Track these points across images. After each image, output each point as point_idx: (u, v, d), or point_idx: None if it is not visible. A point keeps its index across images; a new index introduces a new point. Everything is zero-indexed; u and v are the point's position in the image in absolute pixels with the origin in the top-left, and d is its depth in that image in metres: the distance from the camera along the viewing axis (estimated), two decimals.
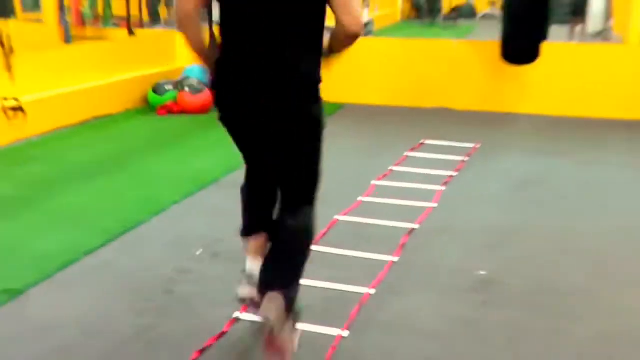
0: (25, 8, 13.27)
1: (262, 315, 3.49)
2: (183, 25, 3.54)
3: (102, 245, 5.23)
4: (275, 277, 3.65)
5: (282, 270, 3.69)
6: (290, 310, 3.62)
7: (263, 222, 3.97)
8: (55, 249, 5.13)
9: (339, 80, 10.73)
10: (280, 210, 3.82)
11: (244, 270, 3.94)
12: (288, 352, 3.59)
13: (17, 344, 3.91)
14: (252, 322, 4.02)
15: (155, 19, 15.89)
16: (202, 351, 3.82)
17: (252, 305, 3.88)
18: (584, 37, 17.19)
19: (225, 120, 3.66)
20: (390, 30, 20.31)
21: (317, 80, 3.53)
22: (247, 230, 4.02)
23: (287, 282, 3.64)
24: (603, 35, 18.51)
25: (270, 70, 3.42)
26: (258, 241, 3.95)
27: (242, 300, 3.97)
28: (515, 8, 9.32)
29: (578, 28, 17.21)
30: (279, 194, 3.81)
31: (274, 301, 3.49)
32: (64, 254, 5.03)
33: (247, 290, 3.88)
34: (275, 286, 3.57)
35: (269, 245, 3.89)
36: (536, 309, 4.39)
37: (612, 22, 19.37)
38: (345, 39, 3.44)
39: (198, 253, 5.12)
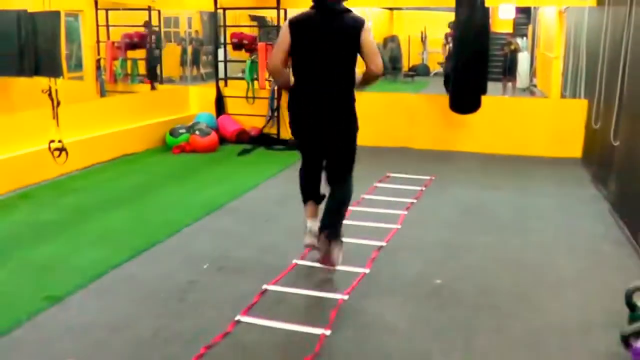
0: (70, 69, 13.29)
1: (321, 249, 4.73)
2: (272, 73, 4.85)
3: (128, 260, 5.14)
4: (330, 223, 4.75)
5: (334, 218, 4.79)
6: (339, 237, 4.80)
7: (314, 194, 5.03)
8: (90, 263, 5.04)
9: None
10: (331, 184, 4.86)
11: (306, 228, 4.96)
12: (337, 263, 4.78)
13: (58, 341, 3.85)
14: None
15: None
16: (208, 347, 3.75)
17: (313, 248, 4.98)
18: (514, 91, 17.35)
19: (294, 126, 4.82)
20: None
21: (351, 103, 4.68)
22: (305, 199, 5.05)
23: (338, 224, 4.83)
24: (529, 90, 18.70)
25: (322, 98, 4.59)
26: (311, 206, 5.02)
27: (307, 246, 5.03)
28: (461, 70, 9.28)
29: (509, 84, 17.36)
30: (326, 173, 4.90)
31: (330, 239, 4.68)
32: (96, 267, 4.95)
33: (309, 240, 4.95)
34: (330, 228, 4.71)
35: (318, 208, 4.98)
36: (482, 310, 4.34)
37: (536, 80, 19.61)
38: (371, 78, 4.68)
39: (205, 267, 5.02)
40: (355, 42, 4.49)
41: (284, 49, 4.59)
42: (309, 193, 5.03)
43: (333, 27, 4.53)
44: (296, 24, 4.59)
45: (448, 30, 13.71)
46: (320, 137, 4.73)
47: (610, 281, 4.84)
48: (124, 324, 4.04)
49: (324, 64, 4.56)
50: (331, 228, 4.71)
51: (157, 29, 11.85)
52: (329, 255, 4.68)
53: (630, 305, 3.83)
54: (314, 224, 4.91)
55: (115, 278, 4.81)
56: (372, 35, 4.60)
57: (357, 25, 4.51)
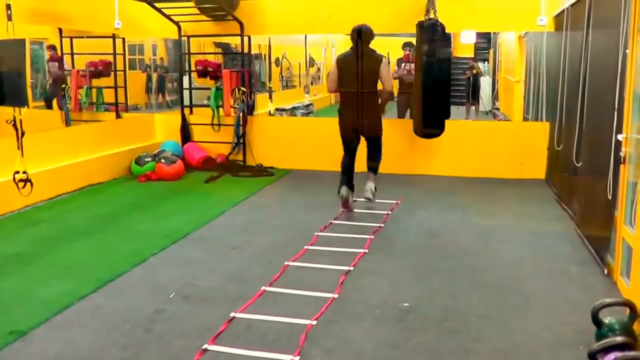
0: (35, 97, 13.14)
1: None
2: (331, 91, 7.76)
3: (94, 291, 5.08)
4: (371, 167, 7.82)
5: (374, 166, 7.85)
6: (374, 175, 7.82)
7: (349, 179, 7.61)
8: (55, 296, 4.97)
9: (287, 151, 10.72)
10: (370, 151, 7.86)
11: (339, 194, 7.59)
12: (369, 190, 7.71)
13: None
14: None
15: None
16: None
17: (345, 203, 7.61)
18: (477, 115, 17.56)
19: (342, 126, 7.62)
20: (326, 111, 20.42)
21: (376, 107, 7.53)
22: (342, 184, 7.58)
23: (375, 170, 7.86)
24: (491, 113, 18.95)
25: (360, 108, 7.35)
26: (345, 190, 7.55)
27: (342, 197, 7.54)
28: (425, 96, 9.32)
29: (472, 108, 17.57)
30: (367, 148, 7.87)
31: (369, 181, 7.76)
32: (62, 300, 4.88)
33: (344, 192, 7.56)
34: (372, 171, 7.83)
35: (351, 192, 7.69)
36: (448, 332, 4.36)
37: (498, 104, 19.88)
38: (385, 92, 7.60)
39: (171, 296, 4.98)
40: (378, 73, 7.29)
41: (336, 77, 7.50)
42: (345, 178, 7.57)
43: (364, 63, 7.21)
44: (341, 61, 7.47)
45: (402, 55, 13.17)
46: (358, 128, 7.46)
47: (578, 300, 4.91)
48: (90, 356, 3.98)
49: (359, 86, 7.25)
50: (371, 168, 7.80)
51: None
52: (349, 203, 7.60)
53: (597, 322, 3.88)
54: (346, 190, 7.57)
55: (81, 310, 4.74)
56: (388, 66, 7.53)
57: (379, 61, 7.31)
